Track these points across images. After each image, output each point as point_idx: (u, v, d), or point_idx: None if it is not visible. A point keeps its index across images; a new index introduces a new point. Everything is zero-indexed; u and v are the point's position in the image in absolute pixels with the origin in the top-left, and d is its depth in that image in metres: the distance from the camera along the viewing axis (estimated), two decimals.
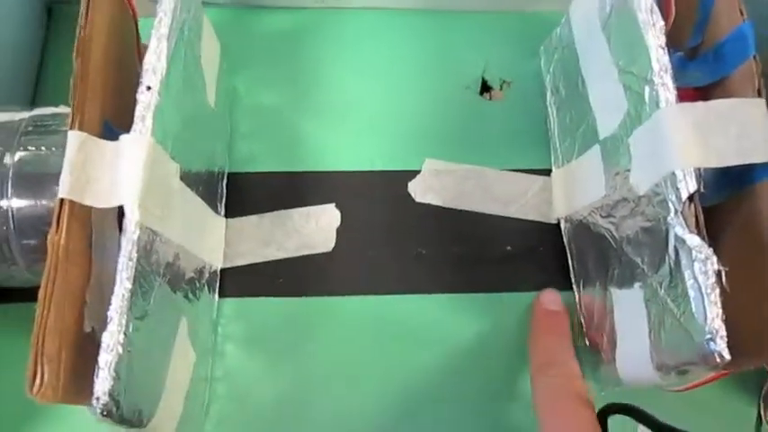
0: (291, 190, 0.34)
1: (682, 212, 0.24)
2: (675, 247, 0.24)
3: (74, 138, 0.24)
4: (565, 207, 0.34)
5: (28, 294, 0.24)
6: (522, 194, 0.35)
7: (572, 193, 0.33)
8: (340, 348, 0.32)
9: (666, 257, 0.24)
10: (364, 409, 0.32)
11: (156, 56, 0.26)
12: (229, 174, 0.34)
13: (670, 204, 0.24)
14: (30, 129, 0.27)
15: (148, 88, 0.25)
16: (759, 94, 0.25)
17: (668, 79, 0.25)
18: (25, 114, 0.28)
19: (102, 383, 0.22)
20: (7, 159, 0.27)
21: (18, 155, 0.27)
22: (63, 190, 0.23)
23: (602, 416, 0.27)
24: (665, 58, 0.26)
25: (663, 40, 0.26)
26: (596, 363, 0.30)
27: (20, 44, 0.35)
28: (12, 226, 0.27)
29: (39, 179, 0.27)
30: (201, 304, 0.30)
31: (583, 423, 0.26)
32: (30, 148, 0.27)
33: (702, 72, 0.30)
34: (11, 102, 0.31)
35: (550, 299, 0.32)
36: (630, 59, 0.27)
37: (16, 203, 0.27)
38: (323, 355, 0.32)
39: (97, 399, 0.21)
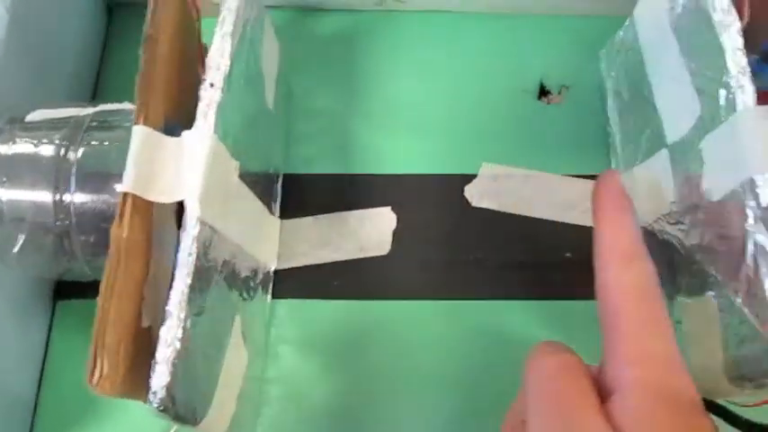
0: (347, 192, 0.34)
1: (762, 219, 0.22)
2: (754, 255, 0.23)
3: (138, 133, 0.24)
4: None
5: (89, 291, 0.24)
6: (581, 200, 0.34)
7: (636, 199, 0.32)
8: (394, 353, 0.32)
9: (744, 266, 0.23)
10: (420, 416, 0.31)
11: (220, 53, 0.26)
12: (285, 175, 0.34)
13: (749, 211, 0.23)
14: (94, 124, 0.28)
15: (212, 85, 0.25)
16: None
17: (746, 82, 0.24)
18: (90, 110, 0.28)
19: (160, 378, 0.21)
20: (71, 154, 0.27)
21: (81, 150, 0.27)
22: (126, 184, 0.24)
23: None
24: (743, 61, 0.25)
25: (740, 41, 0.25)
26: None
27: (81, 42, 0.35)
28: (73, 220, 0.27)
29: (101, 175, 0.27)
30: (255, 304, 0.30)
31: None
32: (93, 143, 0.27)
33: None
34: (72, 98, 0.32)
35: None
36: (704, 62, 0.26)
37: (78, 198, 0.27)
38: (377, 360, 0.32)
39: (154, 393, 0.21)
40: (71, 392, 0.31)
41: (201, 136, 0.24)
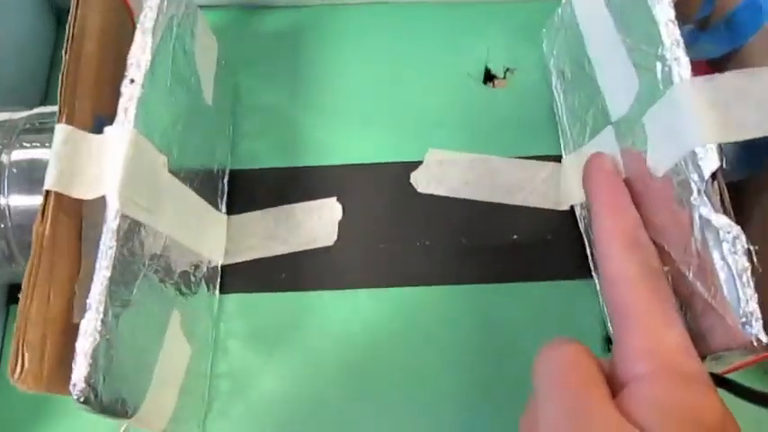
0: (294, 185, 0.34)
1: (705, 192, 0.22)
2: (701, 228, 0.23)
3: (60, 131, 0.25)
4: (580, 193, 0.32)
5: None
6: (528, 182, 0.34)
7: None
8: (344, 342, 0.32)
9: (692, 240, 0.23)
10: (369, 403, 0.31)
11: (141, 49, 0.26)
12: (231, 171, 0.35)
13: (692, 184, 0.23)
14: (28, 126, 0.28)
15: (132, 81, 0.25)
16: None
17: (681, 53, 0.24)
18: (24, 113, 0.29)
19: (79, 370, 0.22)
20: (4, 157, 0.27)
21: (15, 153, 0.27)
22: (49, 182, 0.24)
23: None
24: (677, 32, 0.24)
25: (672, 13, 0.25)
26: None
27: (30, 50, 0.36)
28: (9, 223, 0.27)
29: (35, 176, 0.27)
30: (199, 299, 0.30)
31: None
32: (26, 145, 0.27)
33: (715, 44, 0.28)
34: (22, 104, 0.32)
35: None
36: (639, 36, 0.26)
37: (13, 201, 0.27)
38: (327, 350, 0.32)
39: (74, 385, 0.22)
40: (24, 397, 0.31)
41: (122, 131, 0.25)
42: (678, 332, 0.21)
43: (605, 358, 0.22)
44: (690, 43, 0.25)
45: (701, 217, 0.22)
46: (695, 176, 0.23)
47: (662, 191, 0.25)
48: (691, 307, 0.23)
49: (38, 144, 0.28)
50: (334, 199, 0.34)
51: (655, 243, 0.25)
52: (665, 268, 0.25)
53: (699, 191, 0.23)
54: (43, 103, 0.36)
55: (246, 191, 0.34)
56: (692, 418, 0.19)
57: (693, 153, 0.22)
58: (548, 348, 0.22)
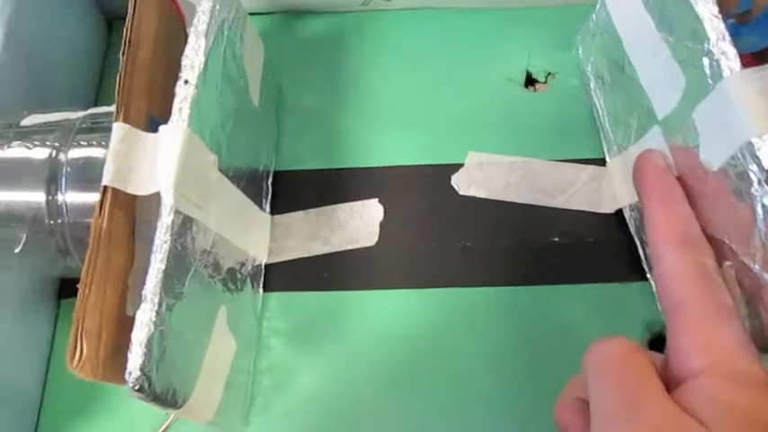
0: (336, 186, 0.35)
1: (766, 181, 0.22)
2: (765, 218, 0.23)
3: (117, 129, 0.26)
4: (628, 195, 0.32)
5: None
6: (569, 185, 0.34)
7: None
8: (384, 342, 0.32)
9: (756, 231, 0.23)
10: (408, 403, 0.31)
11: (194, 51, 0.27)
12: (275, 172, 0.35)
13: (752, 175, 0.23)
14: (84, 126, 0.29)
15: (186, 82, 0.26)
16: None
17: (728, 47, 0.24)
18: (80, 113, 0.30)
19: (135, 358, 0.22)
20: (62, 156, 0.28)
21: (72, 151, 0.28)
22: (106, 178, 0.25)
23: None
24: (721, 26, 0.25)
25: (715, 9, 0.25)
26: None
27: (81, 56, 0.37)
28: (66, 219, 0.28)
29: (92, 174, 0.28)
30: (244, 296, 0.31)
31: None
32: (82, 143, 0.29)
33: (757, 36, 0.29)
34: (75, 105, 0.34)
35: None
36: (682, 33, 0.26)
37: (70, 198, 0.28)
38: (366, 349, 0.32)
39: (129, 373, 0.22)
40: (76, 388, 0.32)
41: (176, 129, 0.25)
42: (734, 328, 0.21)
43: (656, 353, 0.22)
44: (733, 37, 0.25)
45: (763, 207, 0.22)
46: (754, 167, 0.23)
47: (718, 185, 0.25)
48: (758, 299, 0.23)
49: (94, 143, 0.29)
50: (375, 200, 0.34)
51: (714, 238, 0.25)
52: (728, 263, 0.25)
53: (759, 181, 0.22)
54: (95, 104, 0.38)
55: (289, 191, 0.35)
56: (748, 416, 0.18)
57: (750, 144, 0.22)
58: (599, 343, 0.22)
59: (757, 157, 0.22)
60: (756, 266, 0.23)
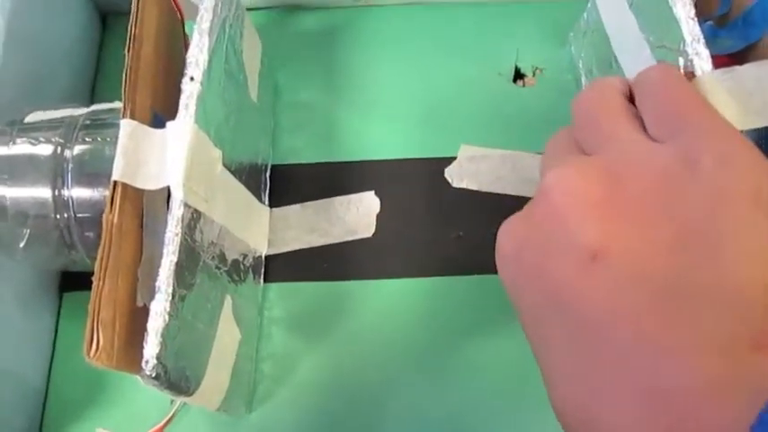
0: (333, 180, 0.36)
1: None
2: None
3: (126, 126, 0.26)
4: None
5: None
6: None
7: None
8: (382, 330, 0.33)
9: None
10: (407, 390, 0.32)
11: (199, 49, 0.28)
12: (273, 166, 0.36)
13: None
14: (87, 123, 0.30)
15: (192, 79, 0.27)
16: None
17: (701, 48, 0.26)
18: (84, 110, 0.30)
19: (151, 347, 0.23)
20: (67, 152, 0.29)
21: (77, 147, 0.29)
22: (116, 173, 0.25)
23: None
24: (697, 29, 0.26)
25: (692, 11, 0.26)
26: None
27: (77, 50, 0.38)
28: (72, 214, 0.29)
29: (96, 169, 0.29)
30: (246, 287, 0.32)
31: None
32: (87, 140, 0.29)
33: (733, 39, 0.30)
34: (70, 102, 0.34)
35: None
36: (661, 33, 0.28)
37: (76, 193, 0.29)
38: (365, 337, 0.33)
39: (146, 362, 0.23)
40: (79, 379, 0.33)
41: (183, 125, 0.26)
42: None
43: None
44: (709, 39, 0.27)
45: None
46: None
47: None
48: None
49: (98, 139, 0.29)
50: (372, 192, 0.35)
51: None
52: None
53: None
54: (91, 97, 0.38)
55: (287, 185, 0.36)
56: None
57: None
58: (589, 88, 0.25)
59: None
60: None
